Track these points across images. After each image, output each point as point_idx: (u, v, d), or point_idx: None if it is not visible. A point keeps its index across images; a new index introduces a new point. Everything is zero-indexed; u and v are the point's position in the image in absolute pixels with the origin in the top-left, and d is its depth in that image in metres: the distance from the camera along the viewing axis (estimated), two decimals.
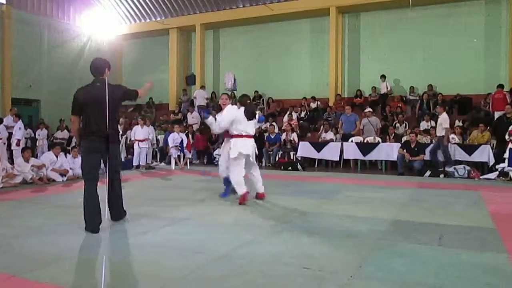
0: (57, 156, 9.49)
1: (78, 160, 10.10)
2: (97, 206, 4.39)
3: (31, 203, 6.49)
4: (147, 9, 18.87)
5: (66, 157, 9.88)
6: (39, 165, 8.97)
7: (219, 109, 6.86)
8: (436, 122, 12.51)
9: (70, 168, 9.59)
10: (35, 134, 14.53)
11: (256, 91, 16.94)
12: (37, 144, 14.01)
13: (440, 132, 10.38)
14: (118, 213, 4.70)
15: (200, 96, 16.79)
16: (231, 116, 6.10)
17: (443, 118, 10.43)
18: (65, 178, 9.28)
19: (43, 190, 7.94)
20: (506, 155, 9.77)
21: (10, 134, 12.04)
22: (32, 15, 17.36)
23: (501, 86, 12.49)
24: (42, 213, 5.57)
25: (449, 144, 10.46)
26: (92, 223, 4.32)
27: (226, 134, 6.39)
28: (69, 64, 18.65)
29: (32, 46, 17.26)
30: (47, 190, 7.95)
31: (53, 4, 18.37)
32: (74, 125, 4.63)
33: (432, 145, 10.76)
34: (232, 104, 6.52)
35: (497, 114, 11.83)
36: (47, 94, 17.76)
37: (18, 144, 11.61)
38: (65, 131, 15.56)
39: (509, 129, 10.00)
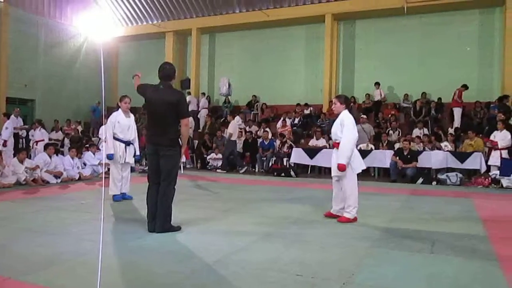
0: (50, 157, 9.47)
1: (75, 160, 10.12)
2: (154, 207, 4.58)
3: (24, 204, 6.47)
4: (144, 12, 18.89)
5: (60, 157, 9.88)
6: (33, 167, 8.95)
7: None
8: (428, 130, 12.73)
9: (64, 170, 9.57)
10: (28, 134, 14.39)
11: (254, 96, 17.02)
12: (30, 145, 13.86)
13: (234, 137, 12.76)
14: (159, 223, 4.51)
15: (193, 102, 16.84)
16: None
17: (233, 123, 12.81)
18: (59, 180, 9.26)
19: (37, 191, 7.92)
20: (496, 162, 9.93)
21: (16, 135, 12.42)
22: (30, 14, 17.30)
23: (464, 86, 13.19)
24: (36, 215, 5.57)
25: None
26: (149, 223, 4.61)
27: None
28: (65, 65, 18.62)
29: (28, 45, 17.19)
30: (41, 191, 7.93)
31: (50, 3, 18.33)
32: None
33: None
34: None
35: (455, 110, 13.04)
36: (42, 94, 17.69)
37: (4, 145, 11.59)
38: (60, 132, 15.51)
39: (491, 137, 10.20)
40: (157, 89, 4.66)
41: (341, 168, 5.18)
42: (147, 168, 11.60)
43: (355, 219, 5.29)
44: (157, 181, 4.61)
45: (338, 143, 5.30)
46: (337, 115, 5.50)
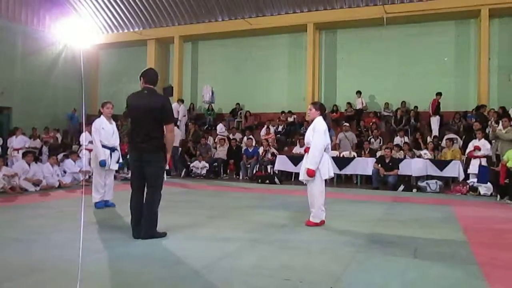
0: (29, 165, 9.30)
1: (54, 168, 9.94)
2: (138, 214, 4.51)
3: (2, 212, 6.32)
4: (125, 19, 18.78)
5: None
6: (11, 174, 8.76)
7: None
8: (409, 138, 12.99)
9: (44, 177, 9.40)
10: (6, 142, 14.10)
11: (237, 104, 17.07)
12: (8, 153, 13.55)
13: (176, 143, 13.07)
14: (145, 229, 4.46)
15: (175, 109, 16.72)
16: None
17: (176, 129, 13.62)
18: (38, 188, 9.08)
19: (15, 199, 7.75)
20: (475, 170, 10.16)
21: None
22: (6, 21, 16.99)
23: (438, 94, 13.63)
24: (15, 223, 5.45)
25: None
26: (133, 230, 4.54)
27: None
28: (44, 72, 18.31)
29: (5, 52, 16.86)
30: (19, 199, 7.76)
31: (28, 11, 18.05)
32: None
33: None
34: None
35: (433, 118, 13.47)
36: (19, 101, 17.32)
37: None
38: (38, 140, 15.21)
39: (470, 146, 10.45)
40: (140, 95, 4.62)
41: (309, 173, 5.29)
42: (129, 175, 11.44)
43: (321, 223, 5.42)
44: (142, 188, 4.57)
45: (309, 148, 5.43)
46: (312, 121, 5.61)
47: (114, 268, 3.50)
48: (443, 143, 11.97)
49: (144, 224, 4.47)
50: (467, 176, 10.49)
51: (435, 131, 13.26)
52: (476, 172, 10.11)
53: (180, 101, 17.17)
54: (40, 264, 3.55)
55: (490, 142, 10.44)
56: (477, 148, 10.23)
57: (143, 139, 4.49)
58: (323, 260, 3.83)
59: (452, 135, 12.37)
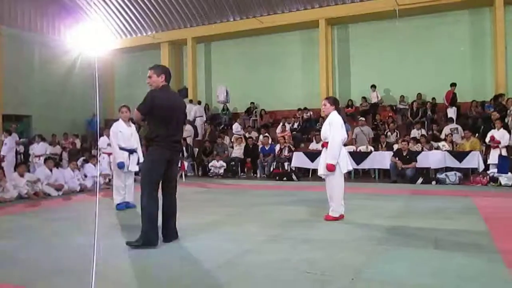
0: (51, 170, 9.51)
1: (75, 173, 10.16)
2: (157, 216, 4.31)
3: (27, 217, 6.50)
4: (137, 23, 19.00)
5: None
6: (34, 180, 8.97)
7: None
8: (426, 131, 12.86)
9: (65, 182, 9.60)
10: (28, 149, 14.46)
11: (252, 103, 17.14)
12: (30, 160, 13.89)
13: None
14: (175, 230, 4.43)
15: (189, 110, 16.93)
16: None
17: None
18: (60, 193, 9.28)
19: (39, 204, 7.94)
20: (495, 160, 10.02)
21: None
22: (23, 32, 17.39)
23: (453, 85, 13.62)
24: (40, 226, 5.61)
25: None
26: (163, 236, 4.40)
27: None
28: (61, 80, 18.63)
29: (23, 62, 17.26)
30: (43, 204, 7.95)
31: (43, 20, 18.45)
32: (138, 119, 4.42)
33: None
34: None
35: (449, 109, 13.47)
36: (38, 109, 17.70)
37: (2, 160, 11.75)
38: (57, 146, 15.51)
39: (489, 134, 10.30)
40: (171, 94, 4.48)
41: (330, 168, 5.32)
42: None
43: (341, 217, 5.44)
44: (158, 188, 4.38)
45: (327, 143, 5.44)
46: (327, 116, 5.64)
47: (139, 267, 3.59)
48: (442, 135, 12.09)
49: (173, 224, 4.42)
50: (487, 167, 10.35)
51: (453, 122, 13.07)
52: (496, 162, 9.99)
53: (197, 102, 17.40)
54: (67, 265, 3.66)
55: (510, 132, 10.29)
56: (496, 142, 10.07)
57: (177, 139, 4.44)
58: (344, 253, 3.85)
59: (452, 125, 12.32)
